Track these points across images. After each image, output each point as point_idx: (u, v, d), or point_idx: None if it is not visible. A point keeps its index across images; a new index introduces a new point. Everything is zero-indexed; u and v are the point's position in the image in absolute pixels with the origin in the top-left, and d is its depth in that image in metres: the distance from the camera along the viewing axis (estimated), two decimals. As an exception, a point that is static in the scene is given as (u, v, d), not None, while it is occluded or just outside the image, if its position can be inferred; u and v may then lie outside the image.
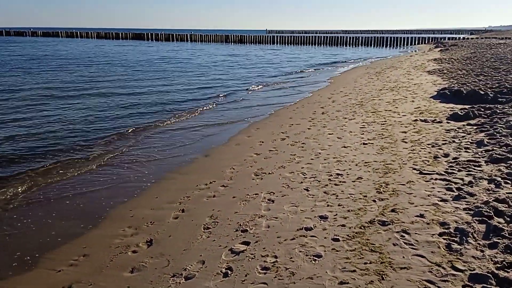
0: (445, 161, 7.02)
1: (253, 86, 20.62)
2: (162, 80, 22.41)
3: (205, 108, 14.84)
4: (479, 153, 7.19)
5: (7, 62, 31.43)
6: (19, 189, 7.09)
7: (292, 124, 11.34)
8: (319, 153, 8.25)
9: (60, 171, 8.02)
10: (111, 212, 6.20)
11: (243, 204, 6.03)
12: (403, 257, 4.19)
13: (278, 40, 79.34)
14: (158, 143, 10.13)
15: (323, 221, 5.18)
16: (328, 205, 5.64)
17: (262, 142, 9.69)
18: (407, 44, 68.99)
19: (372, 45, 70.69)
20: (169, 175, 7.78)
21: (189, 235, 5.19)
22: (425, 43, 69.06)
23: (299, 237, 4.82)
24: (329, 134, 9.80)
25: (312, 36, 78.81)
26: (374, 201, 5.65)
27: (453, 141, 8.17)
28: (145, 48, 56.58)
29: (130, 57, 39.24)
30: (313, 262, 4.24)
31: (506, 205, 5.01)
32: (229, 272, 4.22)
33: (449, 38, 70.42)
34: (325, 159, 7.78)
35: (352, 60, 38.42)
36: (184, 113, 13.75)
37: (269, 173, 7.33)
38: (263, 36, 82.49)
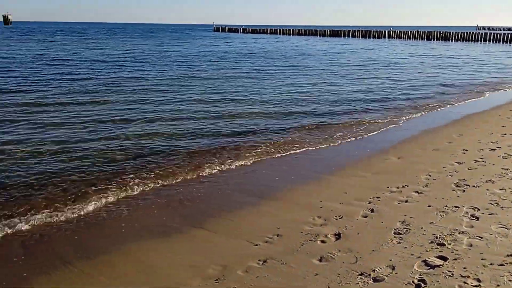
0: None
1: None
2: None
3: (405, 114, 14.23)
4: None
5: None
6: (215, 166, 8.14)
7: (505, 134, 9.83)
8: (542, 171, 6.93)
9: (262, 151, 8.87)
10: (302, 199, 6.51)
11: (440, 215, 5.53)
12: None
13: (492, 38, 69.48)
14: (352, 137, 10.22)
15: (544, 252, 4.34)
16: (552, 235, 4.70)
17: (466, 150, 8.69)
18: None
19: None
20: (358, 172, 7.71)
21: (378, 237, 5.04)
22: None
23: (509, 264, 4.16)
24: (557, 150, 8.13)
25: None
26: None
27: None
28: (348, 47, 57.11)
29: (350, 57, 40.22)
30: (529, 297, 3.60)
31: None
32: (422, 284, 3.93)
33: None
34: (550, 180, 6.50)
35: None
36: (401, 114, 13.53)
37: (474, 186, 6.53)
38: (472, 33, 73.41)
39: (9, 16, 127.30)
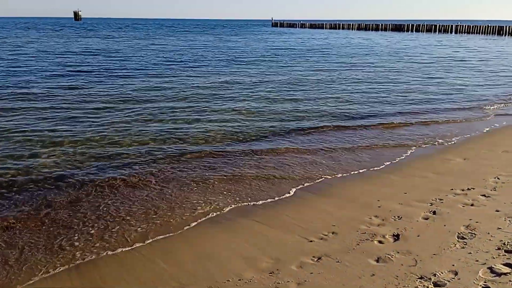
0: None
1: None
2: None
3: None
4: None
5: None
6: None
7: None
8: None
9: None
10: (359, 197, 6.37)
11: (509, 221, 5.18)
12: None
13: None
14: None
15: None
16: None
17: (541, 153, 8.07)
18: None
19: None
20: (420, 172, 7.41)
21: (440, 240, 4.81)
22: None
23: None
24: None
25: None
26: None
27: None
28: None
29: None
30: None
31: None
32: (487, 292, 3.71)
33: None
34: None
35: None
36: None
37: (548, 192, 6.05)
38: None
39: (79, 12, 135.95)
